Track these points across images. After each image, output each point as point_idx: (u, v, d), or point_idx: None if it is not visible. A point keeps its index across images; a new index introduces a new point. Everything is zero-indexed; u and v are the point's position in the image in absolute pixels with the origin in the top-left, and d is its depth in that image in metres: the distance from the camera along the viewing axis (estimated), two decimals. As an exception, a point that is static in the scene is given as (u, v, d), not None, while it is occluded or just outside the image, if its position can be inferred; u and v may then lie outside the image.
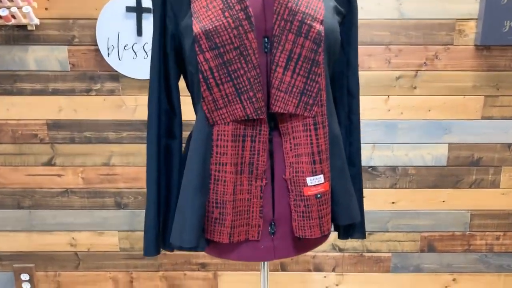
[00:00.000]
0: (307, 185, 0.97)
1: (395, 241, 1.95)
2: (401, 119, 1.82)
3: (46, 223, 1.93)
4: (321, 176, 0.98)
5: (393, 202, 1.90)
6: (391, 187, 1.89)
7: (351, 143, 1.14)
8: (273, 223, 1.03)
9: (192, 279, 2.00)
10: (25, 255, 1.97)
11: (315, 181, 0.98)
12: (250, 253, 1.04)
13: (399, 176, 1.88)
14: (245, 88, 0.92)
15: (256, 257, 1.05)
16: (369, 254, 1.97)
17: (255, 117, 0.93)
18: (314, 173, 0.97)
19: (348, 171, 1.09)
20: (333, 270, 1.99)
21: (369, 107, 1.80)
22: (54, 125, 1.83)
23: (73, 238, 1.94)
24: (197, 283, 2.01)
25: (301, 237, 1.01)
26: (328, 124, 0.99)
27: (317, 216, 0.99)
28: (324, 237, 1.09)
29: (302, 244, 1.07)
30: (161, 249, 1.10)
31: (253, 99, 0.92)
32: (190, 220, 0.97)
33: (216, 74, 0.91)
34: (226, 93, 0.92)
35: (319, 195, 0.98)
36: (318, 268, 1.99)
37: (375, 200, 1.90)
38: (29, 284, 1.99)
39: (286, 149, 0.99)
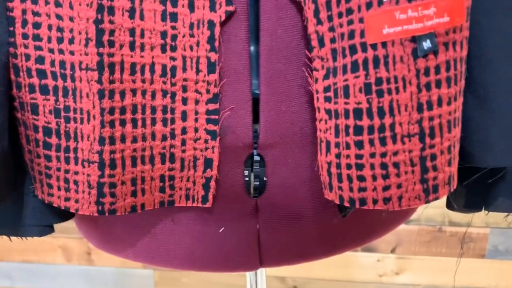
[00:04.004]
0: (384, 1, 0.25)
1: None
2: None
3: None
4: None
5: None
6: None
7: None
8: (255, 155, 0.32)
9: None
10: None
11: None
12: (173, 245, 0.35)
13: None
14: None
15: (192, 259, 0.36)
16: (452, 229, 1.24)
17: None
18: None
19: None
20: (393, 251, 1.28)
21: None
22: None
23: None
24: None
25: (352, 203, 0.30)
26: None
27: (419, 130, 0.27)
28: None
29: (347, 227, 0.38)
30: None
31: None
32: None
33: None
34: None
35: (428, 44, 0.26)
36: (368, 248, 1.29)
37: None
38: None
39: None
